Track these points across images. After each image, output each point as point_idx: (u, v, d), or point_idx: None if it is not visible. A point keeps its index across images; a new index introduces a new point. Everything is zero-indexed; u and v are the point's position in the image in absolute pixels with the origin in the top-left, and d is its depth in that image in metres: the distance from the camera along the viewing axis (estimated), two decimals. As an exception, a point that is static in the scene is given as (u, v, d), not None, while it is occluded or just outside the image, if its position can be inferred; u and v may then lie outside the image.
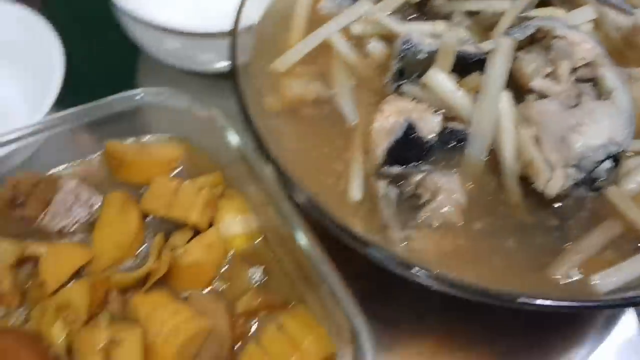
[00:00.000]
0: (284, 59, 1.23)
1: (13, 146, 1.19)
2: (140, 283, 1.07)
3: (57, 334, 0.97)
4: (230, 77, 1.09)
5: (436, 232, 1.02)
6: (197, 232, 1.12)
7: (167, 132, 1.31)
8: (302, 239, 1.03)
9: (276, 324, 1.05)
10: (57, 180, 1.17)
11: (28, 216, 1.15)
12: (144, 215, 1.16)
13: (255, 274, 1.12)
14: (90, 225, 1.15)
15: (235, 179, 1.21)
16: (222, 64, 1.53)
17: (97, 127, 1.25)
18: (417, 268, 0.88)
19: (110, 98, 1.23)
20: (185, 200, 1.11)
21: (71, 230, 1.14)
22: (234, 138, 1.16)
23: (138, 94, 1.22)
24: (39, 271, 1.04)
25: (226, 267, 1.12)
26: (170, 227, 1.15)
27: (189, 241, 1.09)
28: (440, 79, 1.11)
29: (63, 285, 1.03)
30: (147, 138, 1.29)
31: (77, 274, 1.06)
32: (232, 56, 1.13)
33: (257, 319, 1.08)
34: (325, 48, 1.25)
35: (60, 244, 1.09)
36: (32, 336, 0.96)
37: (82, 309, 0.99)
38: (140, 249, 1.14)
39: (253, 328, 1.08)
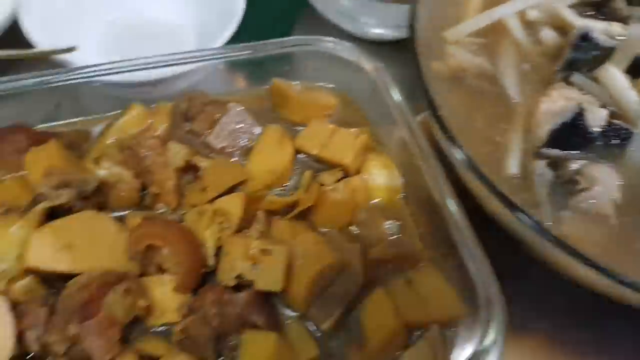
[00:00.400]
0: (457, 30, 1.26)
1: (191, 67, 1.30)
2: (286, 210, 1.13)
3: (210, 237, 1.05)
4: (383, 45, 1.12)
5: (587, 221, 1.01)
6: (344, 176, 1.16)
7: (327, 81, 1.36)
8: (450, 202, 1.06)
9: (405, 278, 1.08)
10: (225, 104, 1.26)
11: (195, 130, 1.24)
12: (296, 152, 1.23)
13: (391, 227, 1.15)
14: (247, 150, 1.23)
15: (385, 136, 1.25)
16: (379, 31, 1.57)
17: (267, 65, 1.33)
18: (572, 249, 0.88)
19: (283, 39, 1.31)
20: (342, 143, 1.16)
21: (231, 151, 1.22)
22: (395, 94, 1.19)
23: (311, 40, 1.29)
24: (201, 179, 1.12)
25: (365, 214, 1.15)
26: (318, 167, 1.21)
27: (337, 182, 1.13)
28: (615, 75, 1.10)
29: (220, 195, 1.11)
30: (308, 84, 1.35)
31: (232, 190, 1.14)
32: (412, 19, 1.16)
33: (386, 269, 1.10)
34: (496, 26, 1.26)
35: (222, 159, 1.17)
36: (189, 231, 1.05)
37: (235, 218, 1.07)
38: (289, 182, 1.21)
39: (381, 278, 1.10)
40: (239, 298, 0.99)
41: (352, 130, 1.19)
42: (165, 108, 1.29)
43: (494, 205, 0.99)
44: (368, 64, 1.25)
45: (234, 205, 1.08)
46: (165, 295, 1.02)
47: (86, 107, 1.31)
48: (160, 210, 1.14)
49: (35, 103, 1.27)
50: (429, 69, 1.16)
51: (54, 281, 1.02)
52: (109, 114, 1.30)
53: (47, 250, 0.97)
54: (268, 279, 0.99)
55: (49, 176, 1.05)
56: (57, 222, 1.01)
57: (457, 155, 0.99)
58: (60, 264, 0.98)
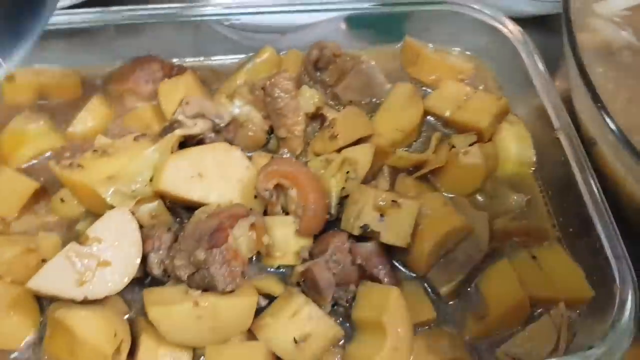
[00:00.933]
0: (607, 4, 1.17)
1: (322, 16, 1.28)
2: (411, 170, 1.10)
3: (335, 185, 1.03)
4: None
5: None
6: (476, 141, 1.11)
7: (462, 46, 1.31)
8: (588, 180, 1.00)
9: (529, 252, 1.02)
10: (356, 58, 1.23)
11: (324, 80, 1.22)
12: (425, 113, 1.19)
13: (519, 201, 1.10)
14: (375, 106, 1.20)
15: (520, 107, 1.19)
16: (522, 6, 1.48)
17: (400, 24, 1.30)
18: None
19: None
20: (479, 106, 1.11)
21: (358, 105, 1.20)
22: (540, 63, 1.13)
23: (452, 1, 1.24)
24: (332, 128, 1.10)
25: (494, 184, 1.10)
26: (445, 131, 1.17)
27: (469, 146, 1.09)
28: None
29: (348, 146, 1.09)
30: (442, 47, 1.30)
31: (358, 142, 1.11)
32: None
33: (510, 243, 1.05)
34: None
35: (353, 110, 1.14)
36: (318, 177, 1.03)
37: (363, 169, 1.05)
38: (415, 143, 1.17)
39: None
40: (363, 248, 0.97)
41: (491, 94, 1.14)
42: (295, 55, 1.27)
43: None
44: (514, 29, 1.18)
45: (363, 155, 1.05)
46: (286, 237, 1.00)
47: (207, 49, 1.31)
48: (285, 156, 1.13)
49: (165, 38, 1.29)
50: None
51: (177, 210, 1.04)
52: (233, 57, 1.30)
53: (180, 176, 0.98)
54: (395, 232, 0.96)
55: (186, 105, 1.06)
56: (192, 150, 1.02)
57: (609, 124, 0.92)
58: (191, 191, 0.98)
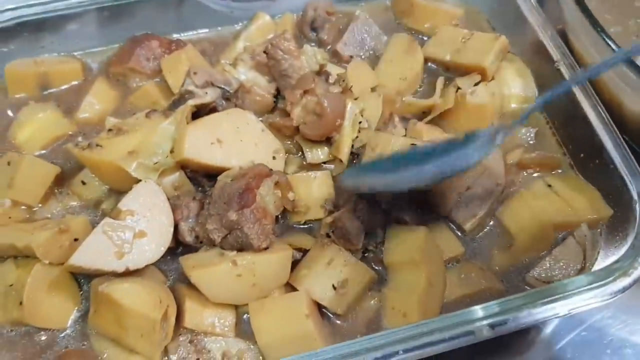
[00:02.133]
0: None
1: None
2: (421, 115, 1.11)
3: (348, 135, 1.05)
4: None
5: None
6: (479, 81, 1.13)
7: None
8: (595, 105, 1.02)
9: (544, 182, 1.05)
10: (350, 13, 1.24)
11: (322, 39, 1.23)
12: (425, 60, 1.20)
13: (527, 134, 1.12)
14: (376, 59, 1.21)
15: (514, 45, 1.20)
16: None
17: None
18: None
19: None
20: (478, 47, 1.12)
21: (359, 59, 1.20)
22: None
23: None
24: (342, 81, 1.09)
25: (500, 120, 1.12)
26: (447, 75, 1.18)
27: (474, 86, 1.10)
28: None
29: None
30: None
31: (365, 94, 1.12)
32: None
33: (525, 174, 1.08)
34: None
35: (360, 63, 1.15)
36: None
37: (375, 117, 1.06)
38: (420, 90, 1.18)
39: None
40: (387, 193, 0.99)
41: (488, 34, 1.15)
42: (290, 18, 1.27)
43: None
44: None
45: (374, 104, 1.07)
46: (309, 193, 1.02)
47: (197, 24, 1.30)
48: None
49: (153, 16, 1.26)
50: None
51: (198, 179, 1.04)
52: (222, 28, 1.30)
53: (201, 144, 0.98)
54: (415, 175, 0.97)
55: (194, 75, 1.06)
56: (208, 118, 1.02)
57: (612, 45, 0.94)
58: (213, 157, 0.98)
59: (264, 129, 1.04)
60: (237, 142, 1.00)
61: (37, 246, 0.88)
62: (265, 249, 0.92)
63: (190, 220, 0.97)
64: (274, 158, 1.03)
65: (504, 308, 0.85)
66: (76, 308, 0.93)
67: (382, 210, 0.98)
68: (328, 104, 1.00)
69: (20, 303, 0.87)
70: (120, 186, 0.99)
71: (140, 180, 0.96)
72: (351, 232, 0.95)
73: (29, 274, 0.88)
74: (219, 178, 0.98)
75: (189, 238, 0.96)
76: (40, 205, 1.02)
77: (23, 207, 1.01)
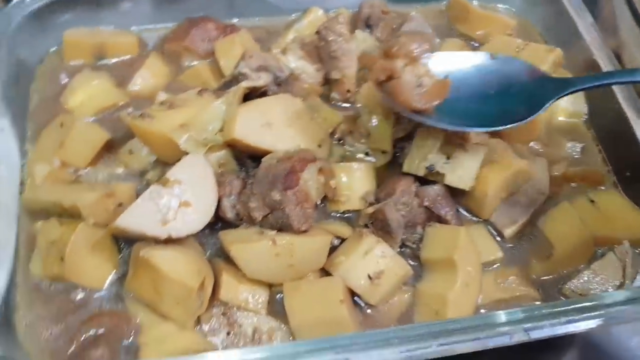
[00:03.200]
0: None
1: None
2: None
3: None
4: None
5: None
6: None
7: (506, 3, 1.34)
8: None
9: (587, 197, 1.05)
10: (405, 14, 1.26)
11: (375, 37, 1.25)
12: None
13: (574, 148, 1.13)
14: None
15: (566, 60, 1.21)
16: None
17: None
18: None
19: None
20: (533, 57, 1.12)
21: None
22: (588, 16, 1.17)
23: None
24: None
25: (548, 132, 1.13)
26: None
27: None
28: None
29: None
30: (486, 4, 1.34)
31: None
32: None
33: (568, 188, 1.08)
34: None
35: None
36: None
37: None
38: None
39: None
40: (431, 190, 0.99)
41: (543, 45, 1.17)
42: (344, 13, 1.29)
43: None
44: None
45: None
46: (350, 183, 1.03)
47: (245, 10, 1.33)
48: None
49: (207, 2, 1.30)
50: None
51: (243, 159, 1.06)
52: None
53: (252, 125, 0.99)
54: (459, 175, 0.98)
55: (249, 59, 1.08)
56: (260, 101, 1.03)
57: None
58: (262, 139, 1.00)
59: (314, 117, 1.05)
60: (286, 127, 1.02)
61: (83, 206, 0.90)
62: (304, 231, 0.93)
63: (232, 197, 0.98)
64: (319, 146, 1.04)
65: (541, 313, 0.84)
66: (114, 270, 0.95)
67: (424, 207, 0.99)
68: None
69: (62, 259, 0.89)
70: (167, 157, 1.01)
71: (187, 153, 0.97)
72: (391, 225, 0.96)
73: (72, 232, 0.90)
74: (264, 159, 0.99)
75: (230, 214, 0.98)
76: (87, 169, 1.05)
77: (71, 169, 1.04)
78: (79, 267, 0.90)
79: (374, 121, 1.07)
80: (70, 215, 0.94)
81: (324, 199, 1.02)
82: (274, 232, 0.93)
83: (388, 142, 1.05)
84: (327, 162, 1.01)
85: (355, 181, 1.03)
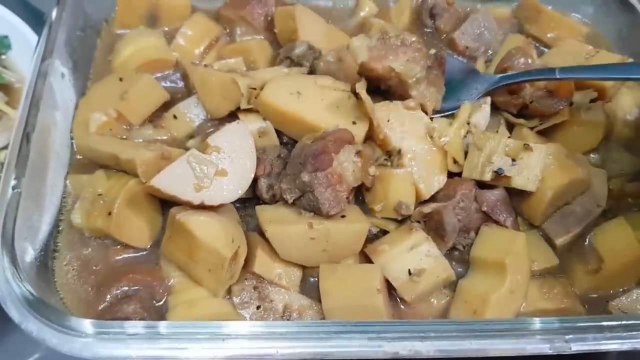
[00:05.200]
0: None
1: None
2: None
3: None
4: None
5: None
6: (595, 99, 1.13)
7: (579, 13, 1.35)
8: None
9: (650, 213, 1.05)
10: (472, 7, 1.27)
11: (439, 27, 1.26)
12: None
13: (634, 163, 1.12)
14: (490, 55, 1.23)
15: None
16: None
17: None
18: None
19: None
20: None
21: (473, 52, 1.23)
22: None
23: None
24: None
25: (610, 143, 1.13)
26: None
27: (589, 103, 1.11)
28: None
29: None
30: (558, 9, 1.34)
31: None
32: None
33: (626, 203, 1.08)
34: None
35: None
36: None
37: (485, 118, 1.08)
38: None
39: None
40: (491, 196, 1.00)
41: (615, 55, 1.16)
42: (407, 3, 1.31)
43: None
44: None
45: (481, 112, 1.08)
46: (386, 190, 1.00)
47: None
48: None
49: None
50: None
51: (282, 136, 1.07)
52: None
53: (281, 91, 1.01)
54: (526, 177, 0.98)
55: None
56: (296, 72, 1.07)
57: None
58: (288, 104, 1.00)
59: (351, 96, 1.04)
60: (317, 98, 1.02)
61: (140, 163, 0.94)
62: (336, 215, 0.93)
63: (270, 177, 0.99)
64: (354, 123, 1.01)
65: (585, 325, 0.84)
66: (157, 231, 0.99)
67: (482, 212, 0.99)
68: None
69: (109, 214, 0.92)
70: (218, 109, 1.04)
71: (233, 120, 1.00)
72: (447, 228, 0.97)
73: (121, 187, 0.94)
74: (302, 138, 0.99)
75: (265, 195, 0.99)
76: (137, 127, 1.08)
77: (123, 124, 1.07)
78: (124, 224, 0.94)
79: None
80: (121, 169, 0.98)
81: (362, 188, 1.00)
82: (311, 214, 0.94)
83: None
84: (368, 146, 0.99)
85: (390, 188, 1.00)
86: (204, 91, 1.07)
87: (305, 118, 1.00)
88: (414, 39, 1.04)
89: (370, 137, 1.02)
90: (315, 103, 1.01)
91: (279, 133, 1.05)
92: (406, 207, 0.99)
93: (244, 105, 1.01)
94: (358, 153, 0.96)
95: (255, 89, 1.02)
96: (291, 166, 0.96)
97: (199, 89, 1.07)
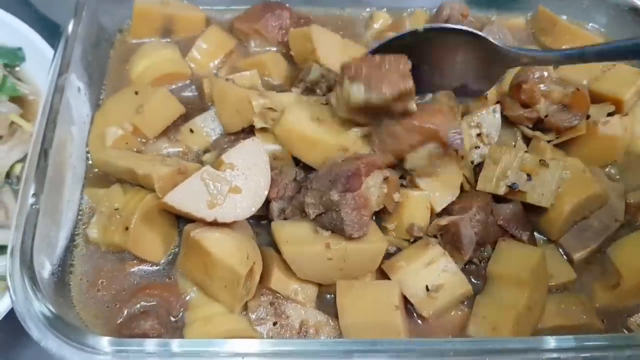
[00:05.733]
0: None
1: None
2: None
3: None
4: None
5: None
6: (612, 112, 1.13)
7: (595, 23, 1.36)
8: None
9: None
10: (485, 19, 1.29)
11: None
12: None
13: (653, 178, 1.12)
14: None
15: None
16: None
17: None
18: None
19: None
20: (620, 78, 1.13)
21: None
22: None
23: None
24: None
25: (628, 157, 1.13)
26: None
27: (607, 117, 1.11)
28: None
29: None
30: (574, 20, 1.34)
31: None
32: None
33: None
34: None
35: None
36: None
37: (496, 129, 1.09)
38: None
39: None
40: (507, 210, 1.00)
41: (633, 67, 1.16)
42: (422, 15, 1.32)
43: None
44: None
45: (492, 118, 1.08)
46: (400, 210, 1.00)
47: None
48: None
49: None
50: None
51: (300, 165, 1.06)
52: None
53: (301, 117, 1.02)
54: (540, 193, 0.98)
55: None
56: (312, 99, 1.07)
57: None
58: (309, 129, 1.01)
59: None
60: (334, 124, 1.03)
61: (158, 178, 0.94)
62: (356, 238, 0.93)
63: (283, 201, 1.00)
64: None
65: (604, 344, 0.84)
66: (173, 246, 0.99)
67: (498, 225, 0.99)
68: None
69: (126, 228, 0.92)
70: (232, 124, 1.05)
71: (248, 136, 1.01)
72: (464, 240, 0.96)
73: (138, 202, 0.95)
74: (331, 157, 0.99)
75: (276, 219, 0.99)
76: (153, 141, 1.08)
77: (139, 138, 1.07)
78: (141, 239, 0.94)
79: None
80: (137, 184, 0.99)
81: (381, 211, 1.00)
82: (328, 233, 0.94)
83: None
84: (395, 172, 1.00)
85: (404, 210, 1.00)
86: (221, 105, 1.08)
87: (330, 141, 1.00)
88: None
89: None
90: (337, 129, 1.02)
91: (294, 159, 1.05)
92: (418, 229, 0.99)
93: (258, 125, 1.02)
94: (386, 179, 0.97)
95: (271, 109, 1.02)
96: (319, 182, 0.96)
97: (217, 102, 1.08)
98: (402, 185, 1.02)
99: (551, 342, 0.84)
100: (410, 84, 0.92)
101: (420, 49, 0.99)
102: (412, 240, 1.00)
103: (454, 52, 1.02)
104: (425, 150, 0.97)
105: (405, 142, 0.96)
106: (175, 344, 0.80)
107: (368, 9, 1.36)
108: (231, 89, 1.06)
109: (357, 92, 0.94)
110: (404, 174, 1.02)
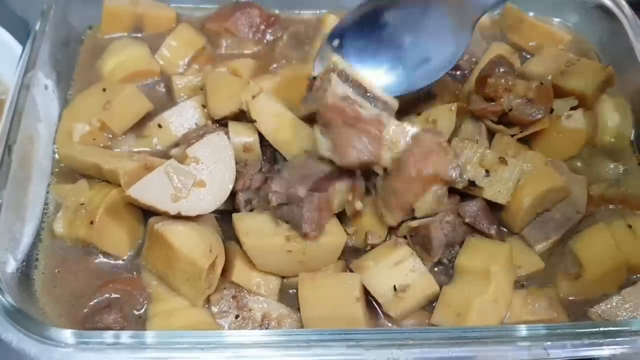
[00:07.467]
0: None
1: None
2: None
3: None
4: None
5: None
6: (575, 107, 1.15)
7: (562, 18, 1.37)
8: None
9: (625, 221, 1.06)
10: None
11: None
12: (524, 77, 1.23)
13: (615, 169, 1.14)
14: (470, 63, 1.26)
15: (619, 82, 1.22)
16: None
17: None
18: None
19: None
20: (584, 73, 1.15)
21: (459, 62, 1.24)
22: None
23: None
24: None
25: (591, 150, 1.15)
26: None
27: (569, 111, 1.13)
28: None
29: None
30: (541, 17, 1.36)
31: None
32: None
33: (606, 209, 1.10)
34: None
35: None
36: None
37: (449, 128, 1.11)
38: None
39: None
40: (472, 207, 1.01)
41: (596, 63, 1.18)
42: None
43: None
44: (627, 10, 1.23)
45: (447, 116, 1.10)
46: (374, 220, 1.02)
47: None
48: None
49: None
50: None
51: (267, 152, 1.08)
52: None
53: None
54: (497, 190, 1.00)
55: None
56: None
57: None
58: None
59: None
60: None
61: (123, 173, 0.95)
62: (310, 238, 0.94)
63: (248, 192, 1.01)
64: None
65: (563, 332, 0.86)
66: (138, 240, 1.00)
67: (465, 224, 1.01)
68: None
69: (91, 223, 0.94)
70: (220, 109, 1.09)
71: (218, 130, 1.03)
72: (434, 243, 0.98)
73: (104, 196, 0.96)
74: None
75: (243, 210, 1.01)
76: (121, 137, 1.10)
77: (107, 134, 1.09)
78: (106, 233, 0.96)
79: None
80: (103, 179, 1.00)
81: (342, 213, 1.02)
82: (288, 226, 0.95)
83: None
84: (362, 182, 1.00)
85: (364, 220, 1.02)
86: (213, 90, 1.10)
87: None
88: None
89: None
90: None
91: (263, 149, 1.07)
92: (373, 237, 1.01)
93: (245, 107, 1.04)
94: (352, 187, 0.98)
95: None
96: (290, 171, 0.97)
97: (209, 88, 1.10)
98: (367, 192, 1.02)
99: (519, 330, 0.86)
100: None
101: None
102: (368, 248, 1.01)
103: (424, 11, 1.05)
104: (430, 194, 0.97)
105: (408, 195, 0.97)
106: (136, 336, 0.81)
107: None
108: (227, 75, 1.11)
109: (324, 148, 0.95)
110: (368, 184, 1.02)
